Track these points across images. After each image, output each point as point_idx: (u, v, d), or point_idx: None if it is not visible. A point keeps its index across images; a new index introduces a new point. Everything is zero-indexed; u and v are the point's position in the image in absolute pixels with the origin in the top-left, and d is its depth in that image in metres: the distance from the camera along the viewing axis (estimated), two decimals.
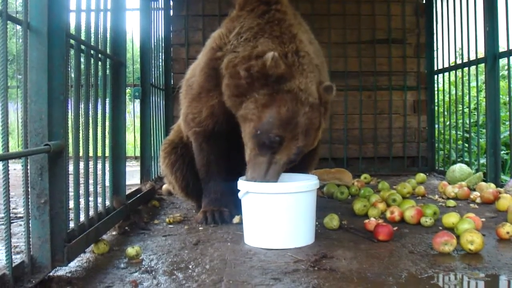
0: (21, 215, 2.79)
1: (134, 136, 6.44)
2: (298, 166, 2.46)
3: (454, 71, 4.59)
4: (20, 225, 2.59)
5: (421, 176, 4.17)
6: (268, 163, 2.24)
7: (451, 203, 3.08)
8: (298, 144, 2.24)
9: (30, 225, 1.64)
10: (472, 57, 4.20)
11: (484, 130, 4.04)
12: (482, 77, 5.43)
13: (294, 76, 2.24)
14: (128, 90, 4.23)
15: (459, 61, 4.58)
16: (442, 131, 4.96)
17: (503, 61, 4.28)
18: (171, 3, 5.06)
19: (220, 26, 2.65)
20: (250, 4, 2.51)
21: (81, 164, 2.02)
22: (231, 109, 2.38)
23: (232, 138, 2.58)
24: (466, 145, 4.74)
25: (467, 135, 4.82)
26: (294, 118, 2.20)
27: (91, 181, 2.15)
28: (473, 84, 5.16)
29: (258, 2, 2.49)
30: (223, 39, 2.49)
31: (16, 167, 2.90)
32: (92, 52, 2.17)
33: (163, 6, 4.87)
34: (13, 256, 1.55)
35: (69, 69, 1.86)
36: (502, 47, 3.77)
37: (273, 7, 2.46)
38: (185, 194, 2.98)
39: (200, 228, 2.55)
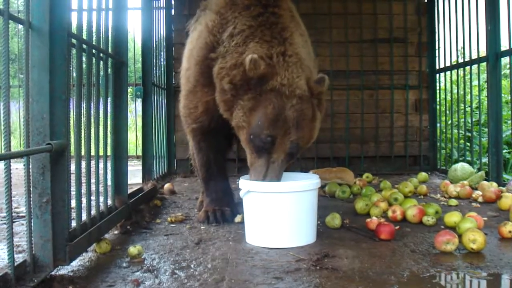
0: (23, 214, 2.79)
1: (136, 135, 6.45)
2: None
3: (456, 70, 4.58)
4: (22, 224, 2.59)
5: (423, 175, 4.17)
6: (266, 164, 2.24)
7: (453, 202, 3.07)
8: (291, 138, 2.22)
9: (32, 224, 1.64)
10: (474, 56, 4.20)
11: (486, 129, 4.02)
12: (484, 76, 5.42)
13: (277, 73, 2.22)
14: (129, 90, 4.24)
15: (461, 60, 4.57)
16: (444, 130, 4.95)
17: (505, 60, 4.27)
18: (173, 2, 5.05)
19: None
20: None
21: (83, 163, 2.02)
22: (228, 120, 2.39)
23: (232, 135, 2.58)
24: (468, 144, 4.73)
25: (469, 134, 4.82)
26: (281, 113, 2.18)
27: (93, 180, 2.15)
28: (475, 83, 5.16)
29: (256, 1, 2.41)
30: (216, 36, 2.43)
31: (18, 166, 2.90)
32: (93, 51, 2.17)
33: (164, 5, 4.87)
34: (15, 255, 1.55)
35: (71, 69, 1.86)
36: (504, 46, 3.76)
37: (269, 9, 2.39)
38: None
39: (202, 227, 2.55)
